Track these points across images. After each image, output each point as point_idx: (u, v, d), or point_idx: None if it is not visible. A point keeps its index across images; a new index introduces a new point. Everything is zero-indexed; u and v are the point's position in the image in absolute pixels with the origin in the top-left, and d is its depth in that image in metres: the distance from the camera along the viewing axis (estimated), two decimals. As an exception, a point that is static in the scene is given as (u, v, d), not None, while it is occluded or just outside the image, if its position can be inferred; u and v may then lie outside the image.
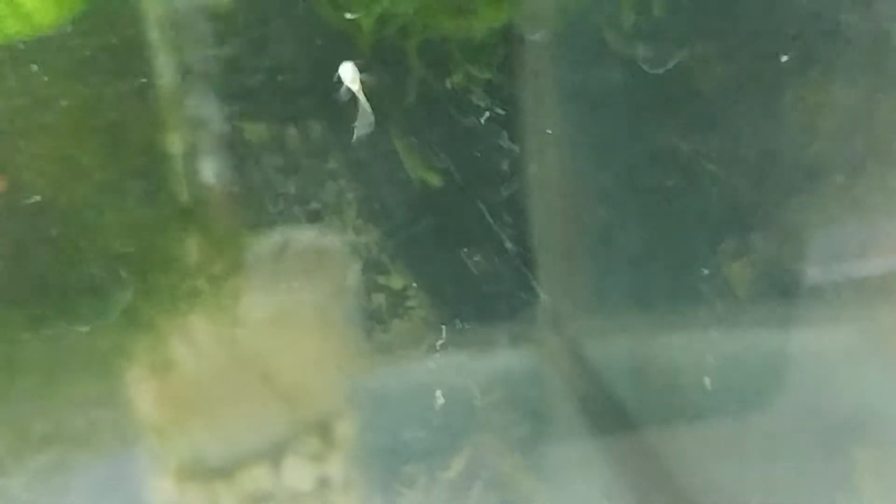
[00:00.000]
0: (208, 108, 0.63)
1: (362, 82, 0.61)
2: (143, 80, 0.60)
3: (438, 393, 0.70)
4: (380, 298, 0.70)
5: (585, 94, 0.68)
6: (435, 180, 0.66)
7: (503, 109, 0.65)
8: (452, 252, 0.69)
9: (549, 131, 0.65)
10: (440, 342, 0.69)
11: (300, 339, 0.69)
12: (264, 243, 0.65)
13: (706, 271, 0.72)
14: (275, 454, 0.71)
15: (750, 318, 0.72)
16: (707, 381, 0.73)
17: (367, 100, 0.61)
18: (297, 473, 0.71)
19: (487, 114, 0.65)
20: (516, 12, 0.65)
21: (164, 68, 0.62)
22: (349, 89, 0.61)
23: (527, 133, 0.67)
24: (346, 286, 0.68)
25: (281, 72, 0.63)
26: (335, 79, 0.61)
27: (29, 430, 0.65)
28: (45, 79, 0.58)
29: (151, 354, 0.66)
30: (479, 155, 0.66)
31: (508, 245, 0.69)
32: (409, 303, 0.70)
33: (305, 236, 0.66)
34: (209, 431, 0.69)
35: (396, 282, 0.69)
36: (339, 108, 0.64)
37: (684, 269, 0.73)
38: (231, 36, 0.62)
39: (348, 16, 0.61)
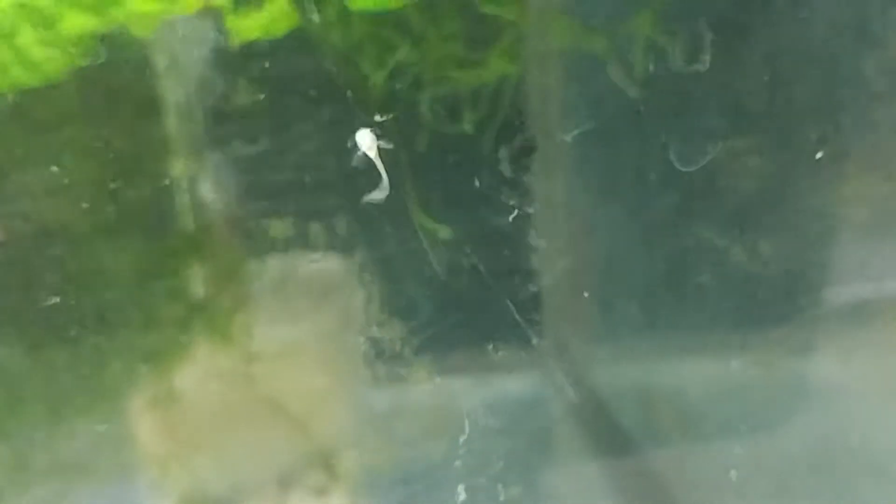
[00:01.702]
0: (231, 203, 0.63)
1: (379, 149, 0.61)
2: (163, 179, 0.60)
3: (461, 488, 0.70)
4: (401, 390, 0.69)
5: (617, 193, 0.66)
6: (461, 279, 0.65)
7: (532, 208, 0.64)
8: (478, 347, 0.68)
9: (586, 294, 0.65)
10: (463, 438, 0.68)
11: (306, 372, 0.68)
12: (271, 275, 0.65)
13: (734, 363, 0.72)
14: (279, 487, 0.70)
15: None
16: (733, 473, 0.73)
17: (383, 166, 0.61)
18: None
19: (516, 212, 0.64)
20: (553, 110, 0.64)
21: (184, 159, 0.61)
22: (366, 155, 0.61)
23: (556, 232, 0.66)
24: (352, 319, 0.67)
25: (307, 169, 0.62)
26: (349, 144, 0.61)
27: (31, 460, 0.65)
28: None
29: (156, 385, 0.65)
30: (507, 252, 0.65)
31: (535, 341, 0.68)
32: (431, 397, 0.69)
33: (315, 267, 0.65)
34: (212, 463, 0.69)
35: (419, 375, 0.68)
36: (367, 208, 0.63)
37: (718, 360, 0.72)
38: (260, 134, 0.61)
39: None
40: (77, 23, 0.55)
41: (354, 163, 0.61)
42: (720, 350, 0.72)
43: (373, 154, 0.61)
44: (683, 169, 0.64)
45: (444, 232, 0.64)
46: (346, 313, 0.67)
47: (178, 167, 0.60)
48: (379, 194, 0.62)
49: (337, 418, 0.70)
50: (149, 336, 0.64)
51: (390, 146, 0.61)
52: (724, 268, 0.69)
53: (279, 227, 0.64)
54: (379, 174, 0.62)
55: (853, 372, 0.74)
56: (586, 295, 0.66)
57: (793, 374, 0.74)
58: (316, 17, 0.58)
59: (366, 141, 0.61)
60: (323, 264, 0.65)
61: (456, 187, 0.64)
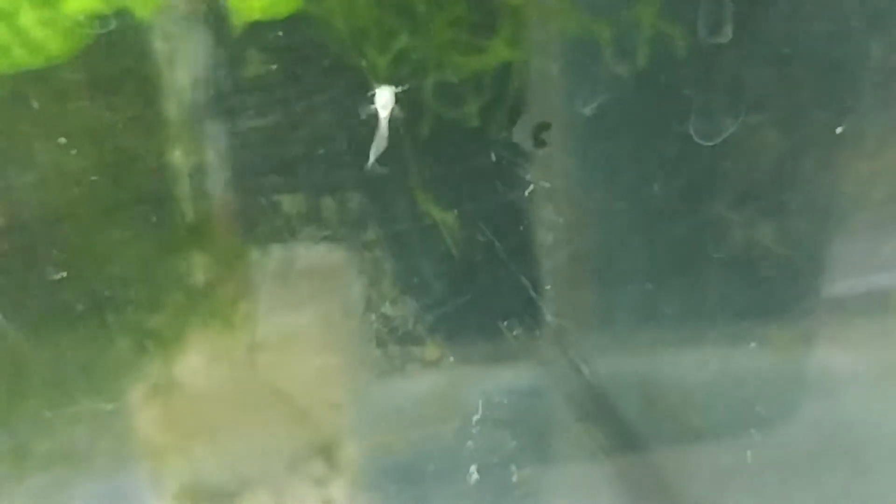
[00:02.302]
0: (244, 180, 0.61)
1: (393, 112, 0.60)
2: (163, 163, 0.59)
3: (473, 468, 0.69)
4: (414, 369, 0.68)
5: (636, 167, 0.65)
6: (475, 255, 0.64)
7: (549, 182, 0.63)
8: (492, 325, 0.67)
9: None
10: (476, 417, 0.67)
11: (306, 361, 0.68)
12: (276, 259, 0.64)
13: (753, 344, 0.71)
14: (278, 477, 0.69)
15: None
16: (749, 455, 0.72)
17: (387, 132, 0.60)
18: (301, 497, 0.69)
19: (532, 186, 0.63)
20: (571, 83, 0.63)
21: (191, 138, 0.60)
22: (377, 113, 0.59)
23: (573, 207, 0.65)
24: (353, 306, 0.66)
25: (312, 146, 0.61)
26: (368, 95, 0.60)
27: (29, 449, 0.64)
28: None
29: (156, 374, 0.65)
30: (522, 228, 0.64)
31: (549, 318, 0.67)
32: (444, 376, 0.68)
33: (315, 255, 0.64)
34: (212, 454, 0.68)
35: (432, 353, 0.67)
36: (378, 180, 0.62)
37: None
38: (263, 114, 0.60)
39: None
40: (79, 3, 0.55)
41: (363, 117, 0.60)
42: (726, 340, 0.72)
43: (384, 114, 0.59)
44: (703, 143, 0.63)
45: (458, 208, 0.63)
46: (353, 297, 0.66)
47: (180, 148, 0.60)
48: (375, 150, 0.60)
49: (343, 404, 0.69)
50: (149, 323, 0.63)
51: (402, 114, 0.60)
52: (740, 245, 0.68)
53: (287, 205, 0.63)
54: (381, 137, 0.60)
55: (861, 362, 0.74)
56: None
57: (800, 365, 0.74)
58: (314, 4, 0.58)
59: (384, 98, 0.59)
60: (332, 243, 0.64)
61: (471, 162, 0.63)
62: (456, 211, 0.63)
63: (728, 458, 0.72)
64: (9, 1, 0.55)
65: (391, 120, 0.60)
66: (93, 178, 0.58)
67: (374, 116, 0.60)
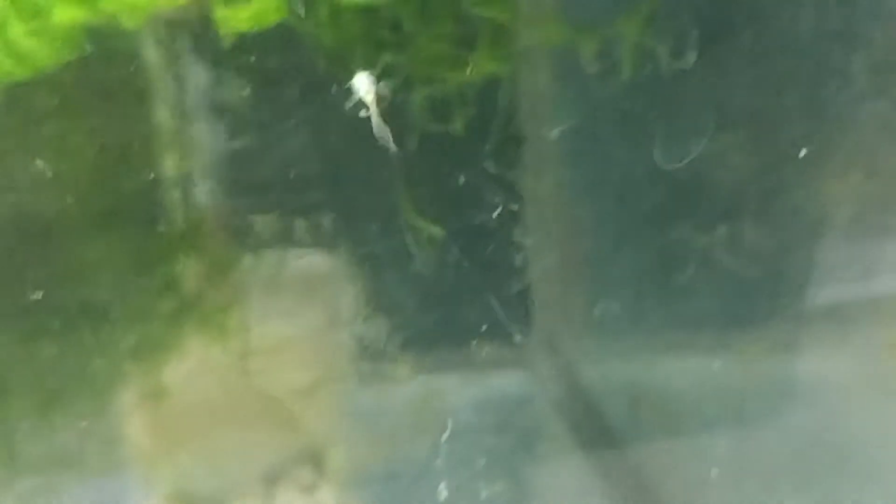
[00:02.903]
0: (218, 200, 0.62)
1: (377, 94, 0.59)
2: (152, 175, 0.59)
3: (442, 485, 0.69)
4: (384, 388, 0.69)
5: (602, 191, 0.66)
6: (446, 275, 0.65)
7: (516, 204, 0.64)
8: (463, 345, 0.68)
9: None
10: (445, 435, 0.68)
11: (294, 368, 0.68)
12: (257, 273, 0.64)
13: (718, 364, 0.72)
14: (267, 484, 0.70)
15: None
16: (715, 472, 0.73)
17: (380, 113, 0.60)
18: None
19: (500, 209, 0.64)
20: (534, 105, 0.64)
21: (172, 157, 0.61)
22: (363, 101, 0.59)
23: (540, 228, 0.66)
24: (341, 314, 0.66)
25: (293, 165, 0.62)
26: (347, 87, 0.59)
27: (17, 454, 0.64)
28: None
29: (145, 381, 0.65)
30: (490, 249, 0.65)
31: (518, 338, 0.68)
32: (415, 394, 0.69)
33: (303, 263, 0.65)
34: (201, 459, 0.69)
35: (403, 370, 0.68)
36: (352, 201, 0.63)
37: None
38: (248, 127, 0.61)
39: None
40: (67, 14, 0.55)
41: (349, 109, 0.59)
42: (706, 348, 0.72)
43: (369, 99, 0.59)
44: (667, 167, 0.65)
45: (430, 229, 0.64)
46: (332, 310, 0.67)
47: (167, 160, 0.60)
48: (384, 137, 0.60)
49: (323, 415, 0.70)
50: (136, 332, 0.64)
51: (387, 93, 0.59)
52: (708, 265, 0.69)
53: (266, 223, 0.63)
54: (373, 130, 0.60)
55: (843, 370, 0.74)
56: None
57: (778, 373, 0.75)
58: (302, 11, 0.58)
59: (363, 85, 0.59)
60: (309, 260, 0.65)
61: (441, 184, 0.64)
62: (427, 230, 0.64)
63: (708, 464, 0.73)
64: (-1, 12, 0.55)
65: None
66: (76, 187, 0.59)
67: (361, 105, 0.59)
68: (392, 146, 0.60)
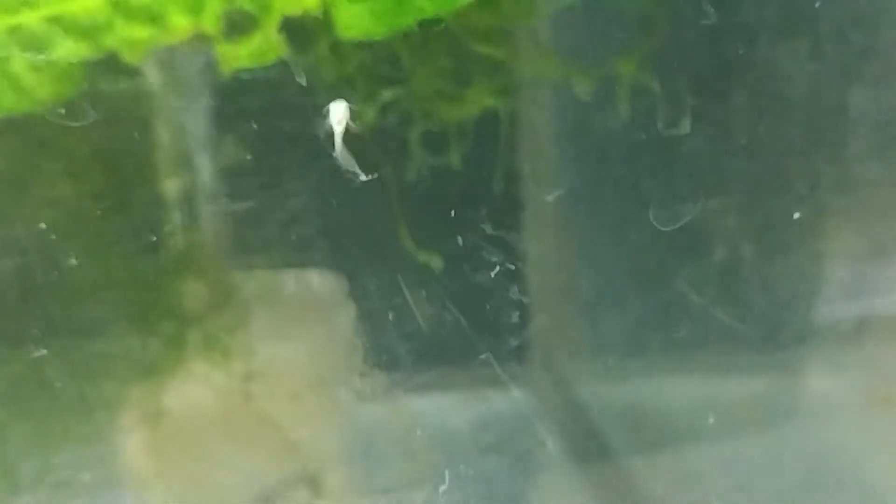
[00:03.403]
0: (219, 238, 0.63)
1: (348, 126, 0.59)
2: (153, 238, 0.61)
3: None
4: (383, 440, 0.70)
5: (597, 251, 0.68)
6: (443, 332, 0.66)
7: (514, 264, 0.65)
8: (458, 399, 0.69)
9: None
10: (443, 488, 0.69)
11: (293, 390, 0.69)
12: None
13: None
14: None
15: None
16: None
17: (344, 146, 0.59)
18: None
19: (498, 268, 0.65)
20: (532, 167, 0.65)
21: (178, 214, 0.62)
22: (331, 128, 0.59)
23: (537, 287, 0.67)
24: (339, 336, 0.67)
25: (296, 224, 0.63)
26: (323, 112, 0.59)
27: (16, 475, 0.65)
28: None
29: (142, 403, 0.66)
30: (488, 307, 0.66)
31: (515, 394, 0.69)
32: (412, 447, 0.70)
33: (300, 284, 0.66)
34: (197, 481, 0.69)
35: (400, 424, 0.69)
36: (352, 259, 0.64)
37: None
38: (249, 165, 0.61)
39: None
40: (69, 49, 0.56)
41: (321, 136, 0.59)
42: (708, 370, 0.73)
43: (339, 129, 0.58)
44: (662, 229, 0.66)
45: (429, 286, 0.65)
46: (330, 331, 0.67)
47: (168, 190, 0.61)
48: (349, 165, 0.59)
49: (319, 437, 0.70)
50: (136, 355, 0.64)
51: (358, 130, 0.59)
52: (705, 321, 0.70)
53: (263, 277, 0.65)
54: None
55: (843, 388, 0.74)
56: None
57: (780, 396, 0.75)
58: (299, 52, 0.59)
59: (338, 113, 0.58)
60: (307, 282, 0.65)
61: (440, 244, 0.65)
62: (424, 289, 0.65)
63: (709, 485, 0.73)
64: (1, 46, 0.55)
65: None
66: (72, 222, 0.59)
67: (331, 135, 0.59)
68: (361, 174, 0.59)
